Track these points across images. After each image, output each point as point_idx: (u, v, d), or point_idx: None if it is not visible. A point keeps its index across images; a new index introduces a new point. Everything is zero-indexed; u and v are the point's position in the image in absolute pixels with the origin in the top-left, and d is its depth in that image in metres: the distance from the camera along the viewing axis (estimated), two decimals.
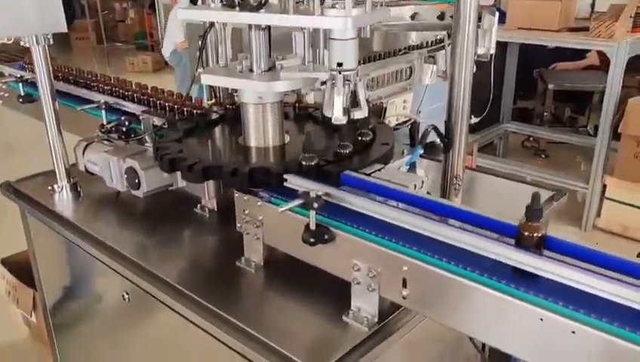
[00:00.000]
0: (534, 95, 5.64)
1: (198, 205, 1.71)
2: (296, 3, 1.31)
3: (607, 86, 3.62)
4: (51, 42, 1.66)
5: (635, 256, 0.94)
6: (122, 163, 1.63)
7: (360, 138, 1.47)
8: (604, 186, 3.75)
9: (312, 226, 1.18)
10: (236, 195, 1.38)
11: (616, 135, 3.73)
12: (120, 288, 1.53)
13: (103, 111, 1.92)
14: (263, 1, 1.29)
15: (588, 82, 5.05)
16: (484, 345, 1.57)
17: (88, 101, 2.06)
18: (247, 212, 1.36)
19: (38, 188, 1.91)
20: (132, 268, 1.47)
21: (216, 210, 1.69)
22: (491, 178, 2.06)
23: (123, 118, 1.85)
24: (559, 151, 5.43)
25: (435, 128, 1.49)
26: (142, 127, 1.83)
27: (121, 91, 2.00)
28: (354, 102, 1.31)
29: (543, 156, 5.36)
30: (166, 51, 6.49)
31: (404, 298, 1.10)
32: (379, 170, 1.34)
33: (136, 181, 1.60)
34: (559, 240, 0.97)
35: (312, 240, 1.18)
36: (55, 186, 1.84)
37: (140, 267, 1.46)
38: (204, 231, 1.64)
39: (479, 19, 2.03)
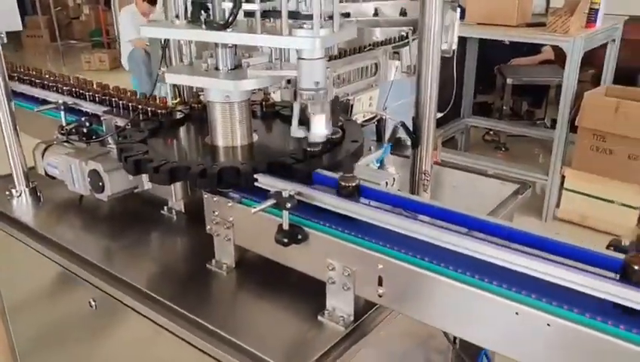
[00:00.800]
0: (493, 90, 5.75)
1: (165, 207, 1.67)
2: (263, 19, 1.29)
3: (563, 80, 3.72)
4: (5, 41, 1.59)
5: (595, 245, 0.96)
6: (84, 165, 1.58)
7: (330, 135, 1.46)
8: (563, 178, 3.85)
9: (285, 226, 1.16)
10: (205, 196, 1.35)
11: (573, 128, 3.84)
12: (86, 295, 1.48)
13: (62, 112, 1.85)
14: (229, 21, 1.27)
15: (545, 76, 5.18)
16: (455, 338, 1.59)
17: (45, 102, 1.99)
18: (217, 213, 1.34)
19: None
20: (98, 275, 1.42)
21: (183, 211, 1.65)
22: (457, 172, 2.10)
23: (83, 118, 1.79)
24: (518, 144, 5.56)
25: (404, 125, 1.50)
26: (104, 128, 1.77)
27: (80, 91, 1.94)
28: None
29: (503, 149, 5.48)
30: (124, 57, 6.29)
31: (379, 296, 1.10)
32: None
33: (100, 184, 1.55)
34: None
35: (285, 240, 1.17)
36: (13, 191, 1.77)
37: (106, 273, 1.42)
38: (172, 233, 1.61)
39: None
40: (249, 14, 1.32)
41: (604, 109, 3.48)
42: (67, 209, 1.75)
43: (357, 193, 1.16)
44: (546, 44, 5.10)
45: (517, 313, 0.92)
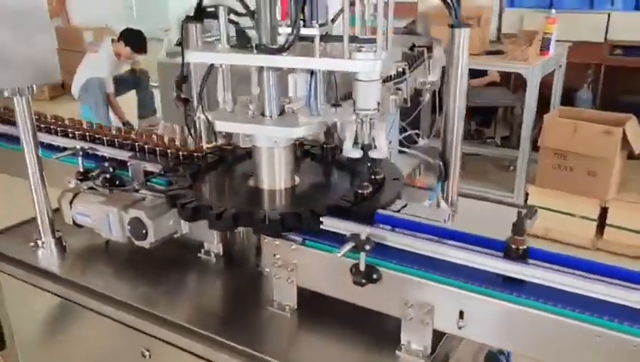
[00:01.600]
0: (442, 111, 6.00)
1: (202, 250, 1.68)
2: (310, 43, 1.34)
3: (525, 103, 3.99)
4: (35, 91, 1.57)
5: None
6: (124, 213, 1.57)
7: (374, 176, 1.53)
8: (527, 194, 4.10)
9: (362, 267, 1.22)
10: (265, 241, 1.39)
11: (533, 147, 4.11)
12: (138, 345, 1.47)
13: (80, 158, 1.83)
14: (287, 45, 1.31)
15: (496, 98, 5.52)
16: None
17: (51, 147, 1.95)
18: (278, 256, 1.38)
19: (13, 243, 1.78)
20: (152, 321, 1.42)
21: (221, 254, 1.67)
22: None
23: (106, 164, 1.78)
24: (472, 163, 5.83)
25: (443, 162, 1.60)
26: (129, 174, 1.77)
27: (96, 136, 1.92)
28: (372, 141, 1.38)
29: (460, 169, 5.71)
30: (76, 86, 6.09)
31: (459, 328, 1.17)
32: (405, 206, 1.42)
33: (144, 231, 1.55)
34: None
35: (363, 281, 1.22)
36: (39, 242, 1.72)
37: (160, 319, 1.42)
38: (215, 276, 1.62)
39: (429, 49, 2.17)
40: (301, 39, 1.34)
41: (564, 130, 3.76)
42: (95, 256, 1.73)
43: (526, 255, 1.17)
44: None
45: (599, 336, 1.02)
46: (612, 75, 5.75)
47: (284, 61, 1.35)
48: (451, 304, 1.16)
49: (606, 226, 3.87)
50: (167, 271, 1.63)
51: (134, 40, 6.00)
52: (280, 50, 1.33)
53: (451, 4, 1.44)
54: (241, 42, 1.44)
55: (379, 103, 1.35)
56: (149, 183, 1.69)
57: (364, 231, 1.22)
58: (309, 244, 1.34)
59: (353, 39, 1.29)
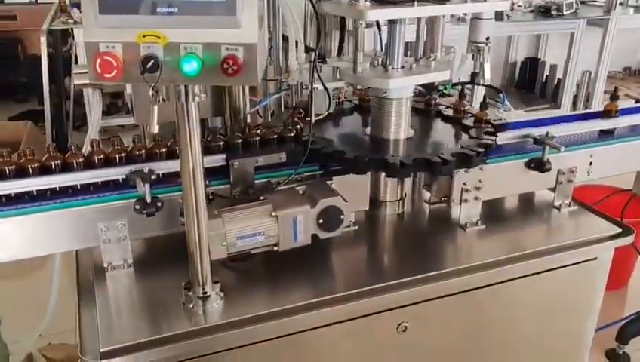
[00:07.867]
0: None
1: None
2: None
3: None
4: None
5: None
6: (312, 209, 1.39)
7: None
8: None
9: (545, 158, 1.64)
10: (456, 173, 1.56)
11: None
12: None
13: (147, 185, 1.37)
14: None
15: None
16: None
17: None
18: (466, 184, 1.60)
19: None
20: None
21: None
22: None
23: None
24: None
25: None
26: (231, 179, 1.47)
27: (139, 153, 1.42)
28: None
29: None
30: None
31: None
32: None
33: (342, 217, 1.42)
34: None
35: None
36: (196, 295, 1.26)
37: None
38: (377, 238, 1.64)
39: None
40: None
41: None
42: (249, 280, 1.44)
43: None
44: None
45: None
46: None
47: (450, 9, 1.55)
48: None
49: None
50: (321, 255, 1.53)
51: None
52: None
53: None
54: None
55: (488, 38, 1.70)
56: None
57: (544, 130, 1.64)
58: (491, 162, 1.62)
59: None
